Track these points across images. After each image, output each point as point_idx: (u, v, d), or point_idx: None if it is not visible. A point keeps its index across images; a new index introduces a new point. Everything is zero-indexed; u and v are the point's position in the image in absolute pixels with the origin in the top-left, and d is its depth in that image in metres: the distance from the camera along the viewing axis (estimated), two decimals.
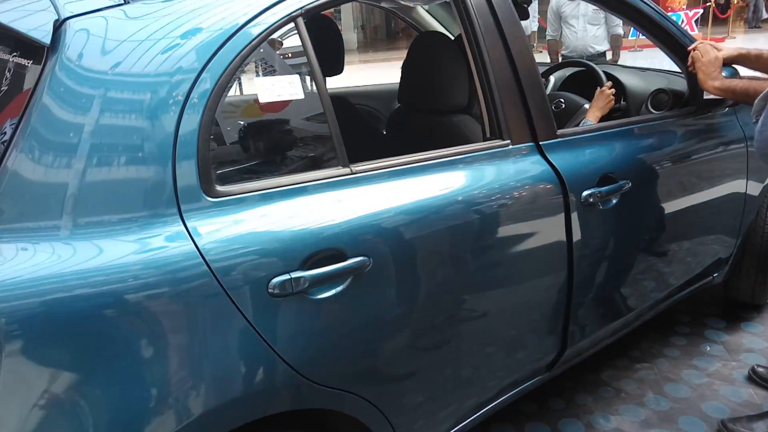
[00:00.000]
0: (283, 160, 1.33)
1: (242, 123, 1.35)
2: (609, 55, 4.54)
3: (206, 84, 1.05)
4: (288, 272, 1.06)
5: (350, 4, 15.64)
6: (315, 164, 1.27)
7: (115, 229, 0.96)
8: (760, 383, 2.03)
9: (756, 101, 0.54)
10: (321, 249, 1.10)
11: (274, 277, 1.04)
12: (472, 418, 1.54)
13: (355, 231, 1.15)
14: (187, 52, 1.05)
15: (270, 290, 1.04)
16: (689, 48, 1.88)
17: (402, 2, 2.33)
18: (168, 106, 1.01)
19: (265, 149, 1.36)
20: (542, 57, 4.83)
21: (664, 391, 2.04)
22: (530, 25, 4.46)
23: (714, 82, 1.79)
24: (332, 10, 16.41)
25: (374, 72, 9.22)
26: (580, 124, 2.08)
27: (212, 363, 1.02)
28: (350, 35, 18.22)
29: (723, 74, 1.81)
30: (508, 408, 1.69)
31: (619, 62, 4.53)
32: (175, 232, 0.99)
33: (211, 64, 1.06)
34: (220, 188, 1.05)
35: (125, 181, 0.98)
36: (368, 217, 1.18)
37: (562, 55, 4.48)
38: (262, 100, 1.15)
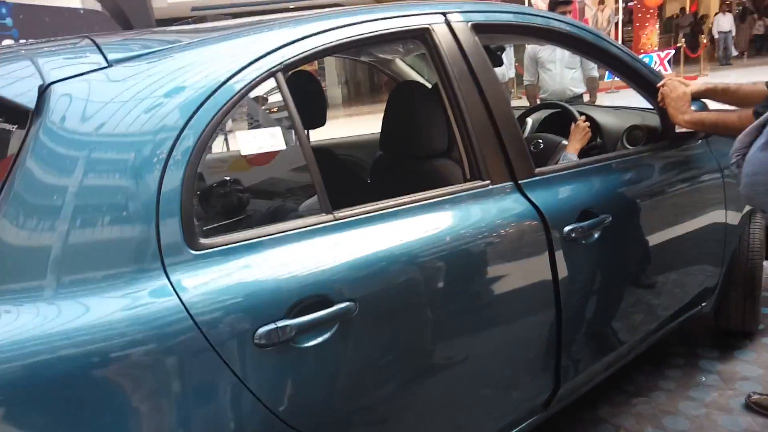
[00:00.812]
0: (267, 210, 1.35)
1: (227, 177, 1.38)
2: (587, 97, 4.66)
3: (188, 141, 1.07)
4: (273, 321, 1.06)
5: (334, 61, 16.10)
6: (299, 213, 1.29)
7: (100, 287, 0.96)
8: (757, 411, 2.01)
9: (738, 138, 0.55)
10: (306, 296, 1.11)
11: (259, 328, 1.04)
12: None
13: (340, 276, 1.16)
14: (168, 111, 1.08)
15: (256, 341, 1.04)
16: (658, 85, 1.95)
17: (380, 55, 2.42)
18: (151, 164, 1.03)
19: (249, 201, 1.38)
20: (522, 102, 4.96)
21: (663, 424, 2.01)
22: (507, 72, 4.55)
23: (684, 115, 1.85)
24: (317, 67, 16.77)
25: (358, 124, 9.39)
26: (561, 159, 2.13)
27: (202, 419, 1.01)
28: (335, 90, 18.63)
29: (692, 108, 1.88)
30: None
31: (596, 103, 4.65)
32: (159, 287, 0.99)
33: (192, 121, 1.09)
34: (204, 241, 1.06)
35: (109, 240, 0.99)
36: (353, 262, 1.19)
37: (541, 99, 4.60)
38: (244, 152, 1.18)
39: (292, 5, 14.85)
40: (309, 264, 1.14)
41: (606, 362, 1.87)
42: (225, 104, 1.13)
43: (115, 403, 0.93)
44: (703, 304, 2.20)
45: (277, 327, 1.06)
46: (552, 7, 4.33)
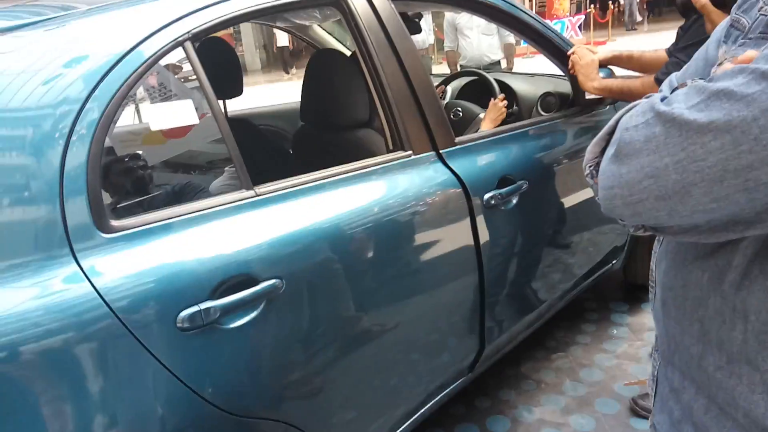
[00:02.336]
0: (183, 187, 1.30)
1: (139, 152, 1.31)
2: (504, 63, 4.77)
3: (93, 114, 1.00)
4: (196, 304, 1.03)
5: (251, 26, 15.47)
6: (218, 190, 1.24)
7: (6, 276, 0.89)
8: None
9: (588, 149, 0.56)
10: (230, 276, 1.08)
11: (181, 311, 1.01)
12: (403, 426, 1.56)
13: (265, 254, 1.14)
14: (69, 83, 1.00)
15: (178, 324, 1.01)
16: (568, 53, 2.02)
17: (296, 21, 2.35)
18: (52, 140, 0.96)
19: (163, 178, 1.32)
20: (443, 68, 5.01)
21: (580, 377, 2.15)
22: (426, 38, 4.58)
23: (593, 82, 1.93)
24: (232, 32, 16.03)
25: (279, 92, 9.15)
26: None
27: (126, 407, 0.98)
28: (253, 56, 18.01)
29: (600, 75, 1.96)
30: (437, 412, 1.72)
31: (513, 69, 4.77)
32: (71, 274, 0.94)
33: (96, 92, 1.01)
34: (115, 223, 1.00)
35: (11, 224, 0.91)
36: (277, 239, 1.17)
37: (461, 65, 4.66)
38: (154, 128, 1.12)
39: None
40: (232, 243, 1.11)
41: (527, 321, 1.96)
42: (131, 74, 1.07)
43: (34, 396, 0.88)
44: (614, 262, 2.35)
45: (200, 309, 1.02)
46: None
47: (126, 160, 1.23)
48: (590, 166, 0.66)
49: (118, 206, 1.11)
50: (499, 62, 4.63)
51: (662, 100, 0.56)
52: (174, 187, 1.32)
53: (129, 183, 1.23)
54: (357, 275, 1.33)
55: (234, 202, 1.15)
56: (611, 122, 0.64)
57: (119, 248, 0.99)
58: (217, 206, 1.13)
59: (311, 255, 1.22)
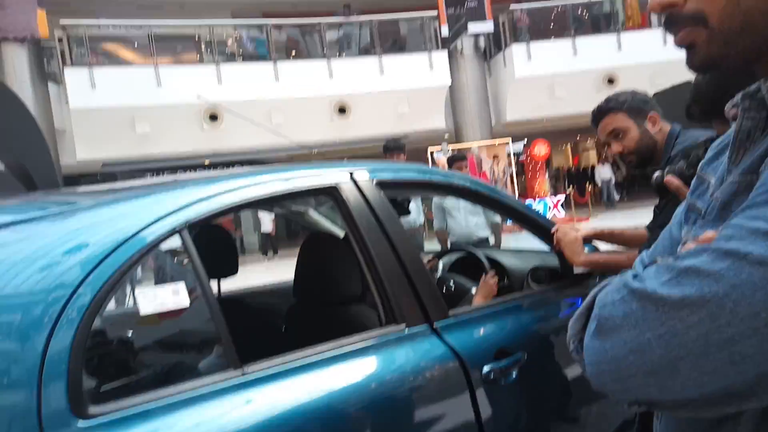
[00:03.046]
0: (169, 369, 1.25)
1: (127, 335, 1.29)
2: (492, 239, 4.94)
3: (84, 299, 1.00)
4: None
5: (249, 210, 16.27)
6: (205, 371, 1.20)
7: None
8: None
9: (569, 324, 0.58)
10: None
11: None
12: None
13: None
14: (64, 270, 1.02)
15: None
16: (552, 230, 2.11)
17: (292, 209, 2.48)
18: (39, 324, 0.95)
19: (151, 360, 1.28)
20: (435, 244, 5.21)
21: None
22: (417, 218, 4.83)
23: (579, 257, 1.98)
24: (232, 216, 16.84)
25: (277, 269, 9.33)
26: None
27: None
28: (251, 237, 18.64)
29: (585, 250, 2.03)
30: None
31: (501, 244, 4.93)
32: None
33: (90, 278, 1.03)
34: (94, 409, 0.95)
35: None
36: (266, 422, 1.10)
37: (450, 243, 4.82)
38: (144, 312, 1.11)
39: (206, 161, 15.20)
40: (216, 428, 1.04)
41: None
42: (125, 262, 1.09)
43: None
44: None
45: None
46: (450, 162, 4.80)
47: (113, 343, 1.21)
48: (574, 342, 0.66)
49: (101, 390, 1.06)
50: (487, 239, 4.80)
51: (634, 277, 0.59)
52: (161, 369, 1.28)
53: (114, 366, 1.19)
54: None
55: (220, 383, 1.11)
56: (588, 298, 0.66)
57: None
58: (201, 388, 1.08)
59: None
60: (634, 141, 1.85)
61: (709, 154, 0.78)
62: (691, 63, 0.65)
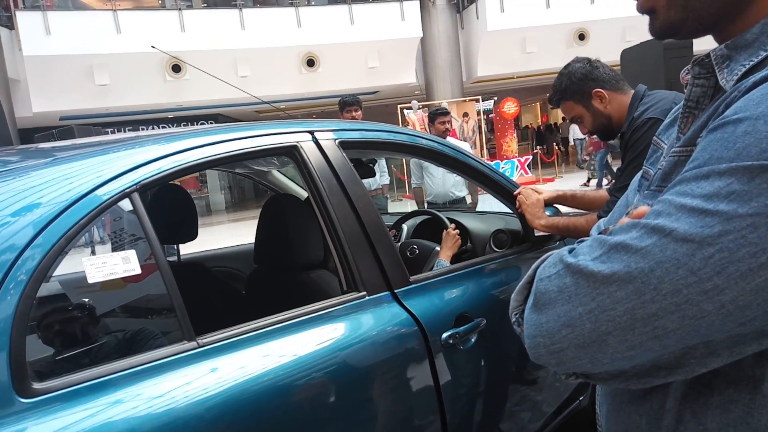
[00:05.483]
0: (119, 342, 1.22)
1: (77, 303, 1.24)
2: (469, 199, 4.94)
3: (31, 262, 0.96)
4: None
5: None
6: (157, 343, 1.18)
7: None
8: None
9: (512, 297, 0.57)
10: None
11: None
12: None
13: (208, 414, 1.05)
14: (11, 233, 0.97)
15: None
16: (515, 193, 2.11)
17: (255, 168, 2.42)
18: None
19: (101, 331, 1.25)
20: (401, 205, 5.19)
21: None
22: (380, 179, 4.77)
23: (540, 220, 2.00)
24: (197, 175, 16.57)
25: (243, 230, 9.24)
26: (435, 266, 2.19)
27: None
28: (218, 197, 18.40)
29: (547, 213, 2.04)
30: None
31: (478, 204, 4.94)
32: None
33: (38, 240, 0.98)
34: (39, 385, 0.92)
35: None
36: (221, 394, 1.09)
37: (427, 202, 4.81)
38: (91, 280, 1.07)
39: (170, 115, 14.77)
40: (169, 403, 1.02)
41: None
42: (74, 225, 1.04)
43: None
44: (581, 398, 2.28)
45: None
46: (432, 118, 4.66)
47: (60, 312, 1.17)
48: (516, 314, 0.68)
49: (45, 363, 1.03)
50: (464, 198, 4.79)
51: (570, 251, 0.60)
52: (113, 339, 1.25)
53: (61, 338, 1.16)
54: (310, 424, 1.24)
55: (173, 355, 1.08)
56: (530, 271, 0.67)
57: (41, 414, 0.90)
58: (154, 361, 1.06)
59: (259, 410, 1.13)
60: (590, 122, 1.92)
61: (668, 119, 0.77)
62: (652, 28, 0.66)
